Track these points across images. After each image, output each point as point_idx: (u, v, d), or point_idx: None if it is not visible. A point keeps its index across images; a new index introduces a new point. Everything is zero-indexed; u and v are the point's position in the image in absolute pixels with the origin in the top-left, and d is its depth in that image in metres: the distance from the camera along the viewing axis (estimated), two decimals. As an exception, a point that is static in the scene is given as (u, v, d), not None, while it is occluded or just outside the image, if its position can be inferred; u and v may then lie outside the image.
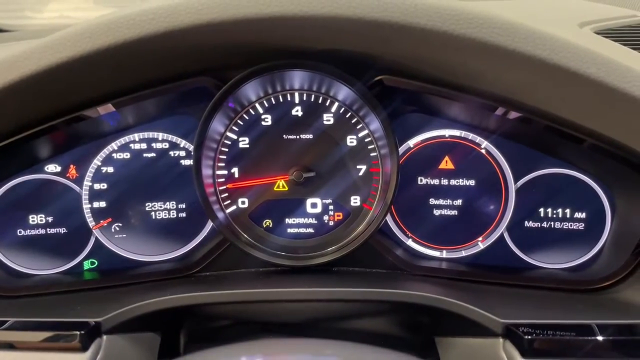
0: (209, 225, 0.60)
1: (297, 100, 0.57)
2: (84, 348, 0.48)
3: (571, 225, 0.57)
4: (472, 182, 0.58)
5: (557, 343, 0.47)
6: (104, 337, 0.48)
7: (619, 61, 0.42)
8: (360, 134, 0.58)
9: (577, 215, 0.56)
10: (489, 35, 0.42)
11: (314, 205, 0.59)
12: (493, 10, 0.45)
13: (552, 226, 0.57)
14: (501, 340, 0.47)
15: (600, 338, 0.45)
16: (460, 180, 0.58)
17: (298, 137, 0.58)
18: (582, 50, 0.42)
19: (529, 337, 0.46)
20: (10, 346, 0.49)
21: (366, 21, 0.44)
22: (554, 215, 0.57)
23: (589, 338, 0.46)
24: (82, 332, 0.48)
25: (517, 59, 0.44)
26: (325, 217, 0.59)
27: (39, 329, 0.49)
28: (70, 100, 0.52)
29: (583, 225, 0.57)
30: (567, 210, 0.57)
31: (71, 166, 0.57)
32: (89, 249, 0.59)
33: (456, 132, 0.58)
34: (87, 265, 0.59)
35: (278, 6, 0.44)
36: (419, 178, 0.58)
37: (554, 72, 0.43)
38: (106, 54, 0.46)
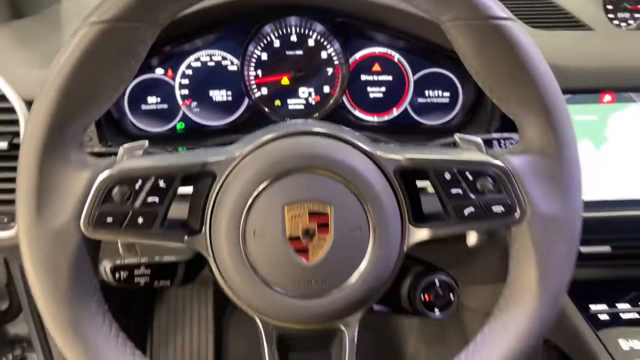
0: (246, 102, 0.87)
1: (293, 31, 0.83)
2: None
3: (442, 99, 0.87)
4: (390, 77, 0.86)
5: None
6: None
7: None
8: (329, 51, 0.84)
9: (445, 93, 0.87)
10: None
11: (303, 92, 0.86)
12: None
13: (432, 101, 0.87)
14: None
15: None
16: (384, 76, 0.86)
17: (294, 52, 0.84)
18: None
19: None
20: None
21: None
22: (433, 94, 0.87)
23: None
24: None
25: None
26: (310, 99, 0.86)
27: None
28: (179, 31, 0.78)
29: (448, 99, 0.87)
30: (440, 91, 0.86)
31: (169, 70, 0.84)
32: (179, 117, 0.86)
33: (382, 49, 0.85)
34: (179, 125, 0.86)
35: None
36: (361, 75, 0.86)
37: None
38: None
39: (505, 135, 0.72)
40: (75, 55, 0.44)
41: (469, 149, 0.51)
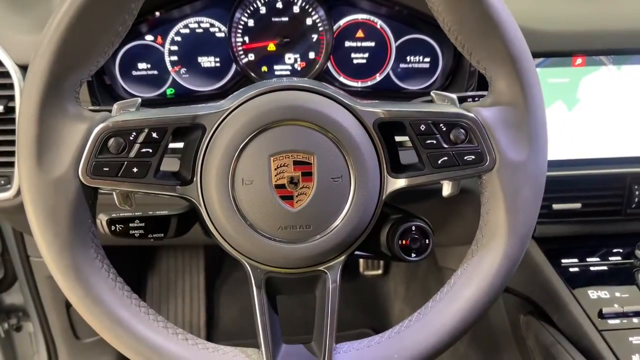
0: (234, 68, 0.88)
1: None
2: None
3: (423, 64, 0.90)
4: (372, 44, 0.88)
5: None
6: None
7: None
8: (314, 18, 0.85)
9: (426, 59, 0.89)
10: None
11: (289, 58, 0.88)
12: None
13: (413, 67, 0.89)
14: None
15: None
16: (367, 42, 0.88)
17: (280, 19, 0.85)
18: None
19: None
20: None
21: None
22: (415, 60, 0.89)
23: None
24: None
25: None
26: (296, 65, 0.88)
27: None
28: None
29: (428, 65, 0.89)
30: (421, 57, 0.89)
31: (158, 36, 0.85)
32: (169, 82, 0.87)
33: (365, 16, 0.87)
34: (169, 91, 0.88)
35: None
36: (345, 42, 0.88)
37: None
38: None
39: (479, 93, 0.75)
40: (71, 9, 0.45)
41: (443, 104, 0.54)
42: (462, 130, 0.51)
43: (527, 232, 0.52)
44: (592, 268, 0.81)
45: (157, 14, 0.83)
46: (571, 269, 0.81)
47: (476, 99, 0.79)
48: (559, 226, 0.86)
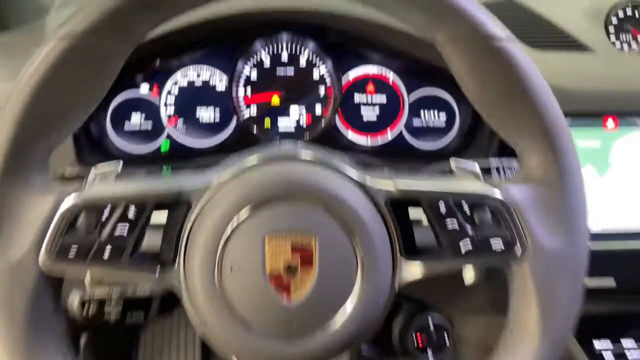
0: (234, 123, 0.83)
1: (283, 50, 0.81)
2: None
3: (438, 122, 0.84)
4: (384, 99, 0.83)
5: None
6: None
7: None
8: (321, 71, 0.82)
9: (441, 116, 0.83)
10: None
11: (294, 112, 0.83)
12: None
13: (428, 125, 0.83)
14: None
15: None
16: (378, 96, 0.83)
17: (285, 71, 0.81)
18: None
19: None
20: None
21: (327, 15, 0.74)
22: (429, 116, 0.83)
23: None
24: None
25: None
26: (301, 120, 0.83)
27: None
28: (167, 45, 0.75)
29: (444, 122, 0.83)
30: (436, 114, 0.83)
31: (154, 87, 0.81)
32: (164, 137, 0.82)
33: (375, 70, 0.83)
34: (163, 146, 0.83)
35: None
36: (355, 95, 0.83)
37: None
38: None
39: (505, 162, 0.68)
40: (40, 71, 0.41)
41: (465, 177, 0.48)
42: (489, 212, 0.44)
43: (563, 337, 0.45)
44: (628, 353, 0.72)
45: (153, 63, 0.78)
46: (605, 354, 0.71)
47: (502, 169, 0.71)
48: (591, 305, 0.76)
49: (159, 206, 0.45)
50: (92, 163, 0.75)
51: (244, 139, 0.82)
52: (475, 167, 0.48)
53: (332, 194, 0.44)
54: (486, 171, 0.50)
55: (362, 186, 0.46)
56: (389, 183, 0.46)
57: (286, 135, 0.82)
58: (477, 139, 0.80)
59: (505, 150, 0.73)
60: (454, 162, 0.50)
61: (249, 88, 0.82)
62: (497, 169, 0.72)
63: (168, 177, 0.47)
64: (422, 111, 0.84)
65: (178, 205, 0.45)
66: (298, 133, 0.83)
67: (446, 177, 0.49)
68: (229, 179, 0.45)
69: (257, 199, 0.44)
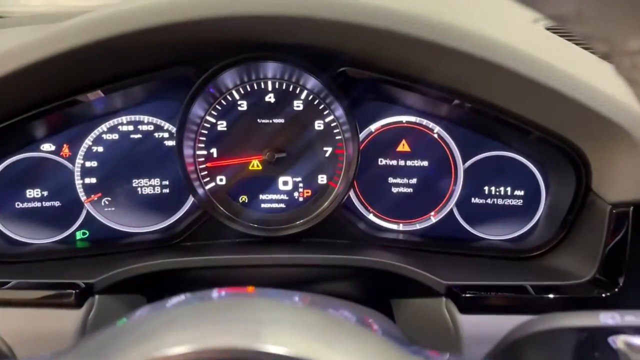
0: (191, 200, 0.64)
1: (270, 88, 0.62)
2: (78, 305, 0.54)
3: (511, 202, 0.63)
4: (425, 163, 0.63)
5: (492, 300, 0.53)
6: (96, 296, 0.54)
7: (543, 58, 0.48)
8: (327, 119, 0.63)
9: (517, 192, 0.63)
10: (428, 34, 0.47)
11: (285, 183, 0.64)
12: (439, 9, 0.51)
13: (495, 202, 0.63)
14: (444, 299, 0.53)
15: (530, 296, 0.52)
16: (415, 161, 0.63)
17: (271, 121, 0.62)
18: (508, 47, 0.47)
19: (467, 295, 0.53)
20: (10, 303, 0.54)
21: (316, 20, 0.49)
22: (497, 193, 0.63)
23: (521, 296, 0.53)
24: (77, 291, 0.54)
25: (452, 54, 0.49)
26: (296, 194, 0.64)
27: (37, 289, 0.55)
28: (64, 86, 0.57)
29: (522, 201, 0.63)
30: (509, 188, 0.63)
31: (65, 145, 0.62)
32: (80, 221, 0.63)
33: (412, 118, 0.63)
34: (79, 235, 0.64)
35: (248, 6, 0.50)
36: (379, 159, 0.64)
37: (486, 68, 0.47)
38: (105, 45, 0.50)
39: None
40: None
41: None
42: None
43: None
44: None
45: (64, 108, 0.58)
46: None
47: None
48: None
49: None
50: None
51: (205, 224, 0.63)
52: None
53: None
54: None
55: None
56: None
57: (270, 219, 0.64)
58: (582, 228, 0.58)
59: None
60: (624, 342, 0.35)
61: (214, 147, 0.63)
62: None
63: None
64: (484, 183, 0.64)
65: None
66: (290, 216, 0.64)
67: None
68: None
69: None
